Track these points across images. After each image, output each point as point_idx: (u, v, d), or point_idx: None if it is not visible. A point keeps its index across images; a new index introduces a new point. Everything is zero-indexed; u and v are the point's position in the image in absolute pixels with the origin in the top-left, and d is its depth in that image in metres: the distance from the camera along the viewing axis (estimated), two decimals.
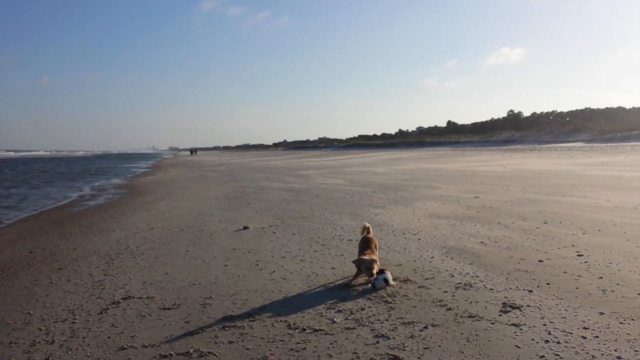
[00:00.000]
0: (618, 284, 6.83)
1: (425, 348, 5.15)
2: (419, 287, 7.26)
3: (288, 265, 9.05)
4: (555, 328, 5.45)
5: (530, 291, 6.75)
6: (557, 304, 6.19)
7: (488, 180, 23.30)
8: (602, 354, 4.80)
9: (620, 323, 5.50)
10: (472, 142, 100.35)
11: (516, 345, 5.06)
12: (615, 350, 4.85)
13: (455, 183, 22.44)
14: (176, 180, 35.81)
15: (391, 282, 7.39)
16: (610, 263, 7.89)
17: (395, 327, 5.74)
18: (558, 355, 4.83)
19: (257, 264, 9.29)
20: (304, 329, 5.87)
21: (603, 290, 6.60)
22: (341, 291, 7.30)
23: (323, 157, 71.94)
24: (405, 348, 5.18)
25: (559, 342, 5.09)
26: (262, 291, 7.54)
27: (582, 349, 4.92)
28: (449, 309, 6.26)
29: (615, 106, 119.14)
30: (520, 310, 6.05)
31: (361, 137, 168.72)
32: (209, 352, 5.36)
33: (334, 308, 6.56)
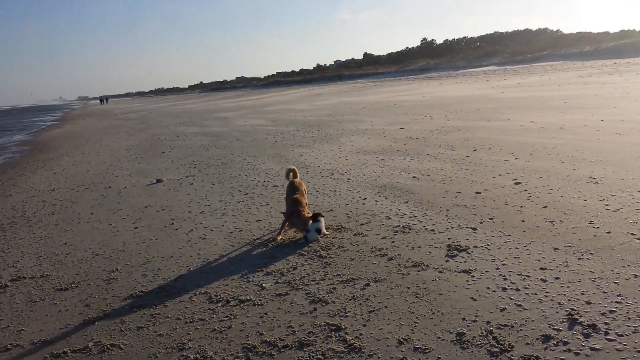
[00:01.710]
0: (565, 213, 6.40)
1: (370, 312, 4.45)
2: (355, 234, 6.55)
3: (208, 222, 8.08)
4: (509, 271, 4.90)
5: (474, 229, 6.20)
6: (505, 242, 5.66)
7: (410, 110, 22.93)
8: (569, 299, 4.28)
9: (579, 259, 5.03)
10: (390, 73, 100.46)
11: (471, 298, 4.46)
12: (582, 294, 4.34)
13: (378, 115, 21.89)
14: (84, 132, 33.23)
15: (324, 231, 6.63)
16: (551, 189, 7.51)
17: (334, 288, 5.00)
18: (520, 305, 4.27)
19: (172, 223, 8.26)
20: (228, 301, 5.01)
21: (551, 222, 6.15)
22: (269, 248, 6.46)
23: (242, 97, 69.60)
24: (347, 314, 4.45)
25: (517, 289, 4.53)
26: (178, 256, 6.58)
27: (546, 295, 4.38)
28: (391, 258, 5.59)
29: (522, 28, 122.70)
30: (468, 253, 5.47)
31: (280, 74, 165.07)
32: (112, 345, 4.40)
33: (262, 270, 5.73)
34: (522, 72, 52.31)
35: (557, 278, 4.66)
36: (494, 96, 25.24)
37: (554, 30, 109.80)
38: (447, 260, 5.32)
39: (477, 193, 7.75)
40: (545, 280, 4.64)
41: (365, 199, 8.26)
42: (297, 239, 6.63)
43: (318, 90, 65.60)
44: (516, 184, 8.04)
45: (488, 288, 4.61)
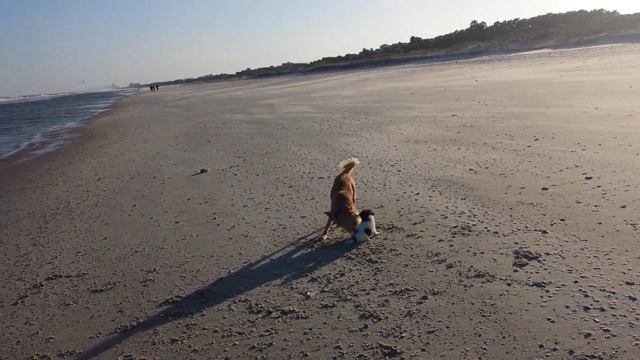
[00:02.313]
0: None
1: (429, 332, 3.88)
2: (408, 235, 5.97)
3: (250, 217, 7.65)
4: (590, 286, 4.23)
5: (544, 232, 5.51)
6: (582, 249, 4.96)
7: (462, 95, 21.93)
8: None
9: None
10: (439, 57, 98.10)
11: (548, 319, 3.82)
12: None
13: (428, 101, 21.02)
14: (133, 119, 33.66)
15: (374, 231, 6.09)
16: (628, 186, 6.69)
17: (386, 301, 4.45)
18: (608, 330, 3.62)
19: (214, 218, 7.88)
20: (270, 312, 4.54)
21: (633, 225, 5.39)
22: (314, 249, 5.97)
23: (288, 84, 69.38)
24: (403, 334, 3.91)
25: (602, 309, 3.87)
26: (219, 256, 6.17)
27: (637, 318, 3.70)
28: (450, 265, 4.99)
29: (577, 10, 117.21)
30: (539, 261, 4.81)
31: (325, 59, 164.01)
32: None
33: (307, 275, 5.24)
34: (579, 54, 49.81)
35: None
36: (552, 80, 23.87)
37: (611, 11, 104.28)
38: (515, 270, 4.68)
39: (544, 189, 7.01)
40: (634, 299, 3.95)
41: (418, 194, 7.65)
42: (345, 239, 6.11)
43: (364, 75, 64.59)
44: (587, 178, 7.24)
45: (567, 307, 3.96)
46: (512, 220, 5.99)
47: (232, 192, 9.50)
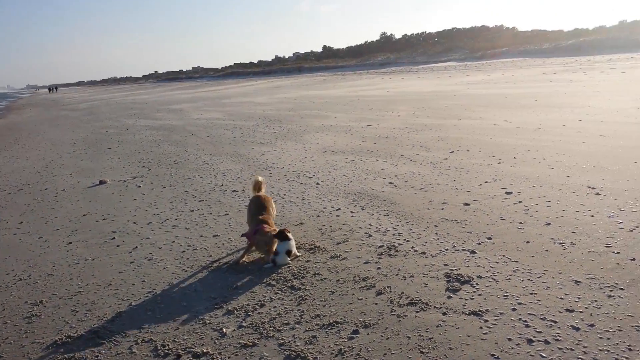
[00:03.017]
0: (574, 232, 5.54)
1: None
2: (332, 257, 5.53)
3: (156, 236, 6.90)
4: (530, 314, 3.97)
5: (473, 252, 5.26)
6: (514, 271, 4.74)
7: (375, 105, 22.06)
8: (616, 358, 3.35)
9: (610, 296, 4.14)
10: (350, 66, 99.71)
11: (492, 355, 3.49)
12: (630, 349, 3.43)
13: (343, 110, 20.92)
14: (28, 123, 31.03)
15: (295, 252, 5.58)
16: (549, 201, 6.66)
17: (314, 337, 3.95)
18: None
19: (113, 238, 7.04)
20: (179, 355, 3.90)
21: (561, 244, 5.26)
22: (229, 274, 5.36)
23: (198, 88, 67.48)
24: None
25: (547, 342, 3.59)
26: (118, 284, 5.40)
27: (585, 351, 3.45)
28: (379, 292, 4.58)
29: (479, 25, 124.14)
30: (472, 286, 4.52)
31: (237, 65, 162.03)
32: None
33: (222, 306, 4.63)
34: (483, 68, 52.39)
35: (592, 325, 3.74)
36: (460, 92, 24.66)
37: (510, 27, 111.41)
38: (449, 297, 4.35)
39: (466, 204, 6.85)
40: (577, 329, 3.72)
41: (339, 209, 7.24)
42: (263, 262, 5.55)
43: (277, 82, 64.25)
44: (507, 193, 7.17)
45: (509, 339, 3.65)
46: (438, 239, 5.71)
47: (134, 206, 8.64)
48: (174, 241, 6.62)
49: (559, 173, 8.01)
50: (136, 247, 6.57)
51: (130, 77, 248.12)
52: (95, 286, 5.44)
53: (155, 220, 7.67)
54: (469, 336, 3.74)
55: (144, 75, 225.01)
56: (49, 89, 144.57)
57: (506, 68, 47.45)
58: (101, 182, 10.93)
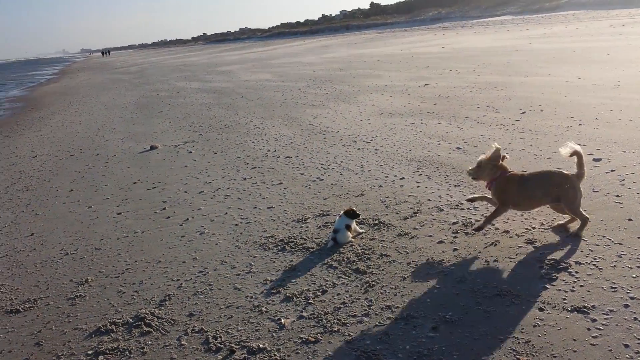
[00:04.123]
0: None
1: None
2: (400, 235, 4.93)
3: (207, 207, 6.48)
4: None
5: (563, 231, 4.54)
6: (619, 256, 4.03)
7: (431, 63, 20.92)
8: None
9: None
10: (399, 23, 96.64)
11: None
12: None
13: (396, 69, 19.93)
14: (81, 87, 31.46)
15: (356, 228, 5.01)
16: None
17: (386, 334, 3.40)
18: None
19: (164, 208, 6.67)
20: (233, 351, 3.44)
21: None
22: (287, 253, 4.86)
23: (246, 49, 66.96)
24: None
25: None
26: (168, 262, 5.01)
27: None
28: (460, 280, 3.98)
29: None
30: (570, 274, 3.84)
31: (284, 25, 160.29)
32: None
33: (279, 292, 4.14)
34: (543, 21, 49.43)
35: None
36: (522, 48, 23.10)
37: None
38: (545, 287, 3.70)
39: None
40: None
41: (403, 178, 6.60)
42: (325, 241, 5.02)
43: (325, 41, 62.90)
44: (595, 160, 6.33)
45: (626, 346, 3.00)
46: (522, 215, 5.01)
47: (185, 174, 8.27)
48: (226, 213, 6.18)
49: None
50: (187, 219, 6.17)
51: (180, 39, 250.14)
52: (144, 263, 5.07)
53: (207, 189, 7.26)
54: (574, 340, 3.10)
55: (192, 38, 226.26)
56: (102, 53, 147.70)
57: (568, 21, 44.55)
58: (152, 148, 10.64)
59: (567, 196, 4.32)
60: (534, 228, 4.68)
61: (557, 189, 4.33)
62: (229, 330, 3.69)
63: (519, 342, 3.14)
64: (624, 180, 5.57)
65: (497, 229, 4.75)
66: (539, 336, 3.17)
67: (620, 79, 11.77)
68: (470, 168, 4.64)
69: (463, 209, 5.32)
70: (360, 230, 5.06)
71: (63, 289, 4.76)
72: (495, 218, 4.53)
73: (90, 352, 3.65)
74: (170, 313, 4.04)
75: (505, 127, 8.58)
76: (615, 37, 23.63)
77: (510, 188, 4.40)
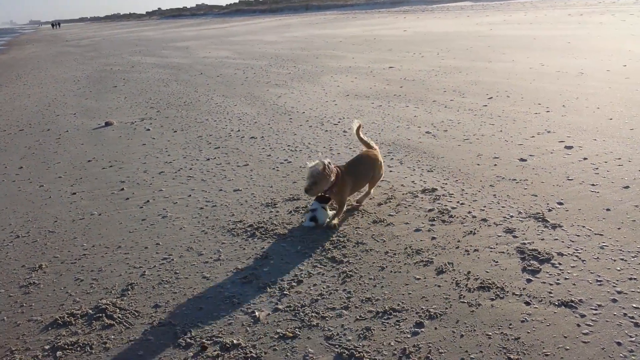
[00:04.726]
0: None
1: None
2: (375, 222, 4.75)
3: (169, 189, 6.14)
4: (636, 308, 3.22)
5: (544, 220, 4.47)
6: (601, 247, 3.96)
7: (394, 45, 20.79)
8: None
9: None
10: (360, 5, 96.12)
11: None
12: None
13: (359, 51, 19.70)
14: (30, 59, 29.89)
15: (329, 214, 4.80)
16: (619, 159, 5.81)
17: (368, 329, 3.22)
18: None
19: (122, 189, 6.28)
20: (204, 347, 3.18)
21: None
22: (257, 239, 4.61)
23: (203, 26, 65.24)
24: None
25: None
26: (129, 247, 4.68)
27: None
28: (440, 270, 3.83)
29: None
30: (554, 266, 3.75)
31: (242, 2, 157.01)
32: None
33: (251, 282, 3.90)
34: (502, 8, 50.08)
35: None
36: (483, 33, 23.25)
37: None
38: (528, 280, 3.59)
39: (522, 160, 6.01)
40: None
41: None
42: (301, 221, 4.80)
43: (286, 20, 62.00)
44: (567, 148, 6.31)
45: (619, 344, 2.91)
46: (498, 202, 4.91)
47: (144, 152, 7.85)
48: (190, 195, 5.86)
49: (620, 125, 7.11)
50: (148, 200, 5.82)
51: (134, 13, 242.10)
52: (102, 248, 4.72)
53: (168, 169, 6.89)
54: (565, 337, 2.99)
55: (147, 12, 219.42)
56: (52, 25, 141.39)
57: (526, 9, 45.27)
58: (107, 124, 10.10)
59: (379, 174, 5.08)
60: (511, 217, 4.58)
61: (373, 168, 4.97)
62: (199, 324, 3.43)
63: (508, 339, 3.01)
64: (597, 168, 5.55)
65: (474, 217, 4.63)
66: (528, 332, 3.05)
67: (583, 67, 11.92)
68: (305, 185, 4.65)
69: (438, 196, 5.17)
70: (330, 215, 4.86)
71: (15, 275, 4.37)
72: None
73: (47, 347, 3.33)
74: (134, 304, 3.74)
75: (474, 112, 8.50)
76: (574, 25, 24.08)
77: (346, 183, 4.68)
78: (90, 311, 3.69)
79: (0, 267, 4.53)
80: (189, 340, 3.26)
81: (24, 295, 4.02)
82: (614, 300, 3.28)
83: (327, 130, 8.13)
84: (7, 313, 3.78)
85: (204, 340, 3.24)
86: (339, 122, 8.61)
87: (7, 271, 4.44)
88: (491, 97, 9.47)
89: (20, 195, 6.50)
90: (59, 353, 3.24)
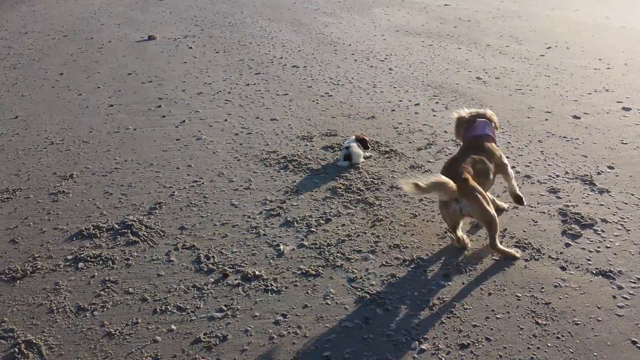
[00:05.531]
0: None
1: (462, 346, 2.61)
2: (412, 167, 4.59)
3: (206, 111, 6.06)
4: None
5: (591, 183, 4.22)
6: None
7: None
8: None
9: None
10: None
11: (633, 341, 2.61)
12: None
13: None
14: None
15: (363, 154, 4.64)
16: None
17: (393, 276, 3.13)
18: None
19: (159, 106, 6.25)
20: (226, 275, 3.18)
21: None
22: (289, 172, 4.52)
23: None
24: (423, 345, 2.62)
25: None
26: (161, 165, 4.68)
27: None
28: (476, 224, 3.67)
29: None
30: (596, 232, 3.56)
31: None
32: (29, 345, 2.62)
33: (279, 214, 3.84)
34: None
35: None
36: None
37: None
38: (567, 244, 3.41)
39: (576, 117, 5.66)
40: None
41: (418, 104, 6.17)
42: (335, 160, 4.68)
43: None
44: (625, 109, 5.91)
45: None
46: (545, 160, 4.65)
47: (184, 70, 7.74)
48: (226, 120, 5.77)
49: None
50: (184, 120, 5.76)
51: None
52: (134, 164, 4.71)
53: (207, 90, 6.79)
54: (599, 307, 2.85)
55: None
56: None
57: None
58: (150, 38, 9.97)
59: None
60: (557, 176, 4.35)
61: None
62: (222, 251, 3.40)
63: (538, 303, 2.88)
64: None
65: (517, 172, 4.40)
66: (560, 299, 2.91)
67: None
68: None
69: None
70: (369, 154, 4.71)
71: (45, 182, 4.42)
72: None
73: (69, 257, 3.37)
74: (160, 224, 3.74)
75: (529, 61, 8.03)
76: None
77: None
78: (117, 226, 3.70)
79: (32, 172, 4.58)
80: (211, 266, 3.25)
81: (52, 203, 4.06)
82: None
83: (372, 66, 7.83)
84: (34, 219, 3.83)
85: (226, 268, 3.22)
86: (385, 58, 8.27)
87: (39, 177, 4.49)
88: (550, 47, 8.91)
89: (58, 101, 6.53)
90: (80, 264, 3.27)
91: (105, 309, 2.89)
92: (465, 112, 3.71)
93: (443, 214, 3.28)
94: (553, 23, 11.18)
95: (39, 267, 3.26)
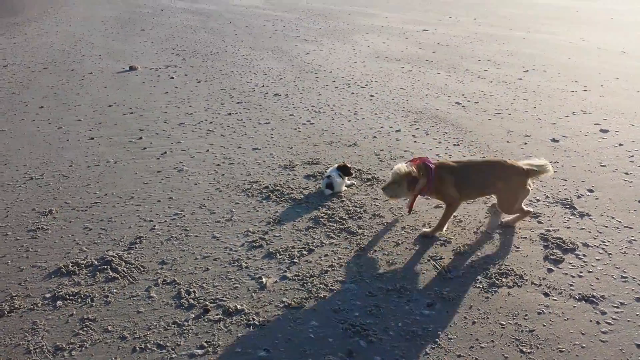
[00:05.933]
0: None
1: None
2: None
3: (188, 141, 6.03)
4: None
5: (571, 207, 4.26)
6: (630, 241, 3.77)
7: (430, 6, 20.06)
8: None
9: None
10: None
11: None
12: None
13: (393, 9, 19.06)
14: None
15: (345, 182, 4.65)
16: None
17: (378, 307, 3.11)
18: None
19: (141, 138, 6.20)
20: (207, 310, 3.12)
21: None
22: (271, 202, 4.49)
23: None
24: None
25: None
26: (142, 199, 4.61)
27: None
28: (459, 252, 3.68)
29: None
30: (578, 257, 3.58)
31: None
32: None
33: (262, 246, 3.80)
34: None
35: None
36: (524, 0, 22.29)
37: None
38: (549, 270, 3.42)
39: (554, 140, 5.74)
40: None
41: (399, 131, 6.21)
42: (319, 188, 4.67)
43: None
44: (603, 131, 6.01)
45: (638, 346, 2.75)
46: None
47: (166, 101, 7.72)
48: (208, 150, 5.75)
49: None
50: (165, 152, 5.72)
51: None
52: (115, 198, 4.65)
53: (188, 121, 6.77)
54: (583, 334, 2.84)
55: None
56: None
57: None
58: (131, 68, 9.97)
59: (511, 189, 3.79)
60: (537, 200, 4.38)
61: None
62: (203, 285, 3.35)
63: (522, 331, 2.87)
64: (633, 156, 5.27)
65: None
66: (544, 325, 2.91)
67: (625, 46, 11.35)
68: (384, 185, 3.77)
69: None
70: (352, 182, 4.71)
71: (24, 218, 4.34)
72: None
73: (47, 296, 3.29)
74: (140, 258, 3.68)
75: (508, 84, 8.16)
76: None
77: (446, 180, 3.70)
78: (96, 262, 3.64)
79: (10, 208, 4.50)
80: (192, 301, 3.20)
81: (30, 240, 3.99)
82: (638, 300, 3.11)
83: (353, 93, 7.89)
84: (12, 257, 3.76)
85: (207, 303, 3.17)
86: (366, 85, 8.35)
87: (17, 213, 4.41)
88: (527, 70, 9.08)
89: (38, 135, 6.46)
90: (59, 302, 3.20)
91: (83, 349, 2.82)
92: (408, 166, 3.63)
93: None
94: (530, 46, 11.41)
95: (16, 306, 3.18)
